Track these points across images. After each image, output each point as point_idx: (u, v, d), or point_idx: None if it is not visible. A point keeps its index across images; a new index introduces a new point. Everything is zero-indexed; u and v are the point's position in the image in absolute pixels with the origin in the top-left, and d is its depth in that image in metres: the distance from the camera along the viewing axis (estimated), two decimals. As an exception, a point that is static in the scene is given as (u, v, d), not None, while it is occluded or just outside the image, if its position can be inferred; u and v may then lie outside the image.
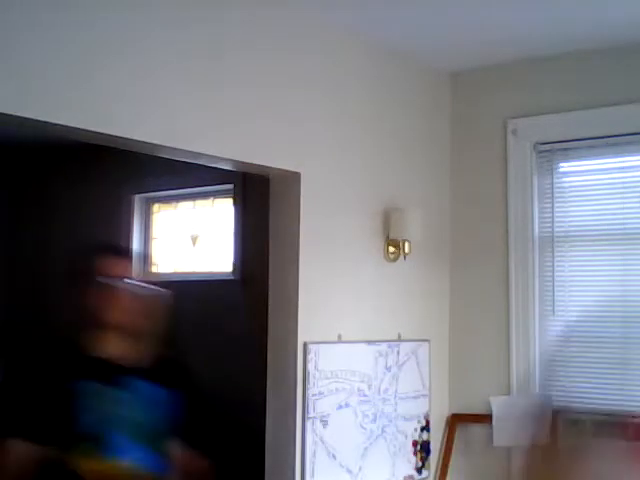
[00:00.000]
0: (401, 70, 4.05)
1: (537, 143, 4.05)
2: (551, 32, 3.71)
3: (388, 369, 3.81)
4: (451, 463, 4.08)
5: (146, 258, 5.54)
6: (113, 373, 2.36)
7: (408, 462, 3.93)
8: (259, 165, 3.31)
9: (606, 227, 3.87)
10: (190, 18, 3.01)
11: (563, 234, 3.96)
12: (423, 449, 4.01)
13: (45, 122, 2.56)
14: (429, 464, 4.04)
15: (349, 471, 3.57)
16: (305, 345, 3.37)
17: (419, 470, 3.98)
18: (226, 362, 4.76)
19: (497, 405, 3.99)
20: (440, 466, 4.08)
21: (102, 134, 2.72)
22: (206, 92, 3.06)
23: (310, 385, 3.37)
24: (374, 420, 3.72)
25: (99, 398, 2.33)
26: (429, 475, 4.05)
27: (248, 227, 4.80)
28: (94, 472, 2.29)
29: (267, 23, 3.32)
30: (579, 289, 3.93)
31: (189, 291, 4.98)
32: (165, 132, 2.91)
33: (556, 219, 3.98)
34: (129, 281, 2.41)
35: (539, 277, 4.02)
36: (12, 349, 5.81)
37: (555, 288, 3.95)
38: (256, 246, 4.04)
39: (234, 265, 4.93)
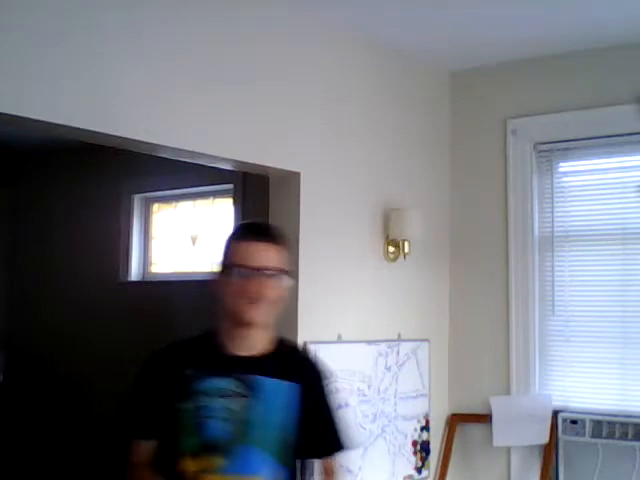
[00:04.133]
0: (401, 70, 4.05)
1: (537, 143, 4.05)
2: (551, 32, 3.71)
3: (388, 369, 3.81)
4: (451, 463, 4.08)
5: (146, 258, 5.54)
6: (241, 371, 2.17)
7: (408, 462, 3.93)
8: (259, 165, 3.31)
9: (606, 227, 3.87)
10: (190, 18, 3.01)
11: (563, 234, 3.96)
12: (423, 449, 4.01)
13: (45, 122, 2.56)
14: (429, 464, 4.04)
15: (349, 471, 3.57)
16: (305, 345, 3.37)
17: (419, 470, 3.99)
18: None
19: (497, 405, 3.99)
20: (440, 466, 4.08)
21: (102, 134, 2.72)
22: (206, 92, 3.06)
23: (310, 385, 3.36)
24: (374, 420, 3.72)
25: (227, 401, 2.14)
26: (429, 475, 4.05)
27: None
28: None
29: (267, 23, 3.32)
30: (579, 289, 3.93)
31: (189, 291, 4.99)
32: (165, 132, 2.91)
33: (556, 219, 3.98)
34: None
35: (539, 277, 4.02)
36: (11, 348, 5.83)
37: (555, 288, 3.95)
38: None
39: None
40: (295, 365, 2.28)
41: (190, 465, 2.09)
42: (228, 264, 2.17)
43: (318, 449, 2.30)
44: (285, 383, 2.18)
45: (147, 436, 2.19)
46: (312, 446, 2.26)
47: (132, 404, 2.25)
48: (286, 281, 2.23)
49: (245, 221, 2.45)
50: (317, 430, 2.25)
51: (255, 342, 2.21)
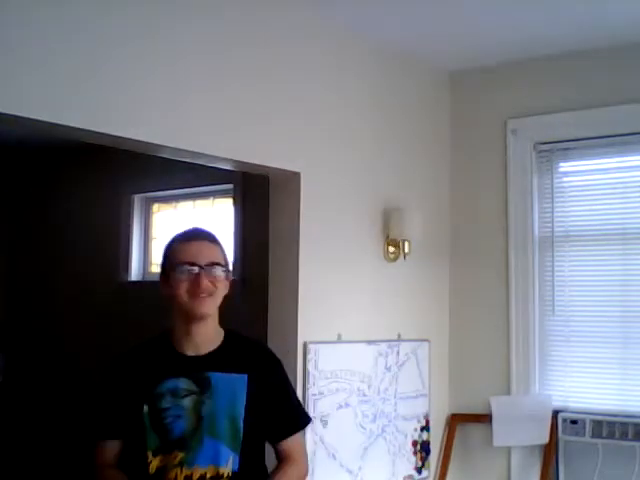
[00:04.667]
0: (401, 70, 4.05)
1: (537, 143, 4.05)
2: (551, 32, 3.71)
3: (388, 369, 3.81)
4: (451, 463, 4.08)
5: (146, 258, 5.54)
6: (196, 369, 2.32)
7: (408, 462, 3.93)
8: (259, 165, 3.31)
9: (606, 227, 3.87)
10: (190, 19, 3.01)
11: (563, 234, 3.96)
12: (423, 449, 4.01)
13: (45, 122, 2.56)
14: (429, 464, 4.04)
15: (349, 471, 3.57)
16: (305, 345, 3.37)
17: (419, 470, 3.99)
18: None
19: (497, 405, 3.99)
20: (440, 466, 4.08)
21: (102, 134, 2.73)
22: (206, 92, 3.06)
23: (310, 385, 3.37)
24: (374, 420, 3.72)
25: (187, 399, 2.30)
26: (429, 475, 4.05)
27: (248, 227, 4.80)
28: None
29: (268, 23, 3.32)
30: (579, 289, 3.93)
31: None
32: (165, 132, 2.91)
33: (556, 219, 3.98)
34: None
35: (539, 277, 4.02)
36: (11, 347, 5.83)
37: (555, 288, 3.95)
38: (256, 246, 4.04)
39: (234, 265, 4.93)
40: (243, 356, 2.39)
41: (155, 462, 2.26)
42: (176, 264, 2.30)
43: (273, 433, 2.41)
44: (234, 375, 2.33)
45: (111, 436, 2.35)
46: (268, 431, 2.39)
47: (96, 406, 2.41)
48: (229, 274, 2.38)
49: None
50: (270, 415, 2.37)
51: (206, 338, 2.36)
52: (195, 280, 2.27)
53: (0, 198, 6.05)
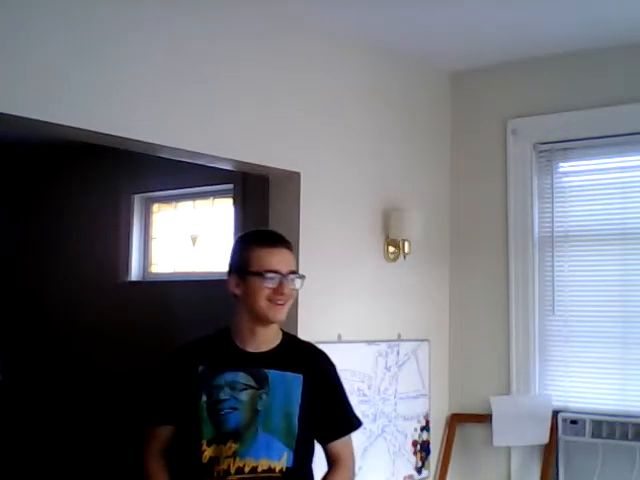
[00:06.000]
0: (401, 70, 4.05)
1: (537, 143, 4.04)
2: (551, 32, 3.71)
3: (388, 369, 3.81)
4: (451, 463, 4.08)
5: (146, 258, 5.54)
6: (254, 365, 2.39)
7: (408, 462, 3.93)
8: (259, 165, 3.31)
9: (606, 227, 3.87)
10: (190, 18, 3.01)
11: (563, 234, 3.96)
12: (423, 449, 4.01)
13: (45, 122, 2.56)
14: (429, 464, 4.04)
15: (349, 471, 3.57)
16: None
17: (419, 470, 3.99)
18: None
19: (497, 405, 3.99)
20: (440, 466, 4.08)
21: (102, 134, 2.73)
22: (206, 92, 3.06)
23: (310, 385, 3.36)
24: (374, 420, 3.72)
25: (243, 392, 2.37)
26: (429, 475, 4.05)
27: (248, 227, 4.79)
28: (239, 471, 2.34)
29: (267, 22, 3.32)
30: (579, 289, 3.93)
31: (189, 291, 4.99)
32: (165, 132, 2.91)
33: (556, 219, 3.97)
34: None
35: (539, 277, 4.01)
36: (11, 347, 5.83)
37: (555, 288, 3.95)
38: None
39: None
40: (300, 357, 2.46)
41: (208, 451, 2.34)
42: (262, 270, 2.34)
43: (324, 434, 2.48)
44: (291, 375, 2.40)
45: (165, 421, 2.42)
46: (319, 432, 2.46)
47: (152, 393, 2.49)
48: (303, 281, 2.45)
49: (258, 229, 2.70)
50: (322, 416, 2.44)
51: (267, 338, 2.44)
52: (278, 288, 2.34)
53: (0, 198, 6.05)
